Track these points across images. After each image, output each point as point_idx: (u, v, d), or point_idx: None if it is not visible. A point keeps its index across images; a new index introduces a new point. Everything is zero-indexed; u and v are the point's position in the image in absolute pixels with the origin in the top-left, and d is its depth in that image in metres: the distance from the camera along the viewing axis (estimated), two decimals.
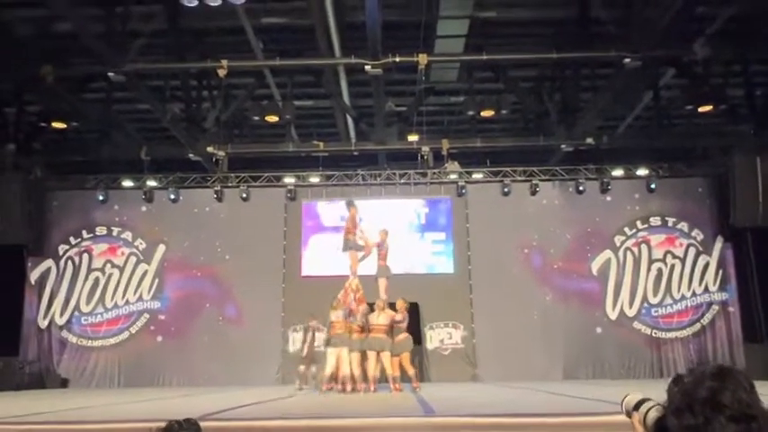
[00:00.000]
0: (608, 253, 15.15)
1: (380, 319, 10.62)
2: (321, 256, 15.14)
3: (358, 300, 10.98)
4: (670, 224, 15.29)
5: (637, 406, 2.04)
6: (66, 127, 13.90)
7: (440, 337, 14.44)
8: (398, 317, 10.76)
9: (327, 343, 10.93)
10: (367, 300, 11.09)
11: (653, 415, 1.90)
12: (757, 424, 1.41)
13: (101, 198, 15.39)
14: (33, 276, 15.31)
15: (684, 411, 1.47)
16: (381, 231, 11.52)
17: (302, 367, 12.41)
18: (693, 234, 15.19)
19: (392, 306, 10.83)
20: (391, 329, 10.67)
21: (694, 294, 14.87)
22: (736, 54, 12.30)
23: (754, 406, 1.44)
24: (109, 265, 15.45)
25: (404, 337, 10.90)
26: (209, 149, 13.66)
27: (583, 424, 5.99)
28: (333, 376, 10.75)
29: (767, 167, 13.57)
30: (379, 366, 10.68)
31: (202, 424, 2.81)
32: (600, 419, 5.75)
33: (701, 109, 13.00)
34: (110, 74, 10.87)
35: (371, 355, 10.60)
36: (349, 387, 10.54)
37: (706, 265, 15.01)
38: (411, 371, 10.90)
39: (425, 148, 13.72)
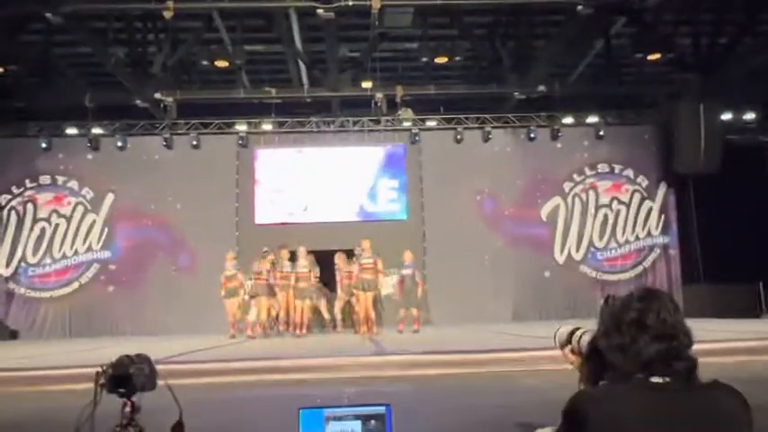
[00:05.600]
0: (557, 199, 15.53)
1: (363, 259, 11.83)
2: (274, 204, 15.11)
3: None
4: (617, 171, 15.72)
5: (569, 337, 2.16)
6: (3, 71, 13.21)
7: (392, 282, 14.64)
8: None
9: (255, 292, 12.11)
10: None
11: (586, 338, 2.03)
12: (678, 342, 1.54)
13: (44, 146, 14.82)
14: None
15: (613, 331, 1.59)
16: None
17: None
18: (638, 180, 15.67)
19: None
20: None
21: (638, 238, 15.48)
22: (685, 2, 12.47)
23: (677, 326, 1.56)
24: (55, 215, 15.01)
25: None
26: (157, 95, 13.24)
27: (528, 358, 6.29)
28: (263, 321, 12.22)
29: (710, 115, 14.00)
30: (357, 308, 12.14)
31: (163, 367, 2.83)
32: (543, 354, 6.04)
33: (649, 57, 13.21)
34: (48, 15, 10.34)
35: (360, 295, 11.88)
36: (283, 328, 12.14)
37: (649, 211, 15.58)
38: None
39: (379, 95, 13.60)
